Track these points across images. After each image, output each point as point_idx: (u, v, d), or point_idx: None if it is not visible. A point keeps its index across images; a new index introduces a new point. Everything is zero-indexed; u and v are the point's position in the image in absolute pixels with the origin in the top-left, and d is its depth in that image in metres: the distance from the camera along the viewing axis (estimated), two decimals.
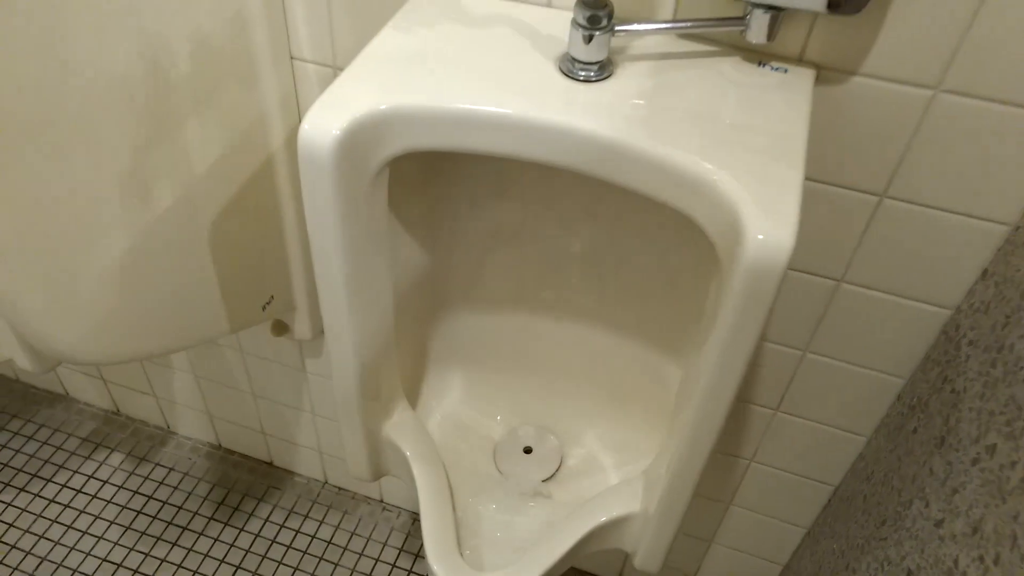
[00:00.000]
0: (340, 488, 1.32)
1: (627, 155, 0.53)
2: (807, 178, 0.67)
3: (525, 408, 0.89)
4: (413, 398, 0.87)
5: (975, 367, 0.63)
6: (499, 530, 0.79)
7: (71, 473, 1.33)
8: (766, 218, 0.48)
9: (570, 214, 0.75)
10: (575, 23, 0.55)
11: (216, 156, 0.73)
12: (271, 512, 1.29)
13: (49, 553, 1.23)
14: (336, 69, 0.76)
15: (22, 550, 1.23)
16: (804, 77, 0.59)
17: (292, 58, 0.77)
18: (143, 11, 0.59)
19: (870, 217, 0.68)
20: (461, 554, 0.73)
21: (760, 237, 0.47)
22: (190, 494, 1.30)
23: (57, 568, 1.21)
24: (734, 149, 0.52)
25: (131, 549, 1.24)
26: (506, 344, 0.88)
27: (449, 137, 0.55)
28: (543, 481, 0.84)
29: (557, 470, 0.85)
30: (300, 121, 0.52)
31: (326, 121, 0.52)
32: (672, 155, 0.51)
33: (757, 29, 0.56)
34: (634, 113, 0.54)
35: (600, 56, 0.56)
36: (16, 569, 1.20)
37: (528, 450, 0.86)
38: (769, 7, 0.55)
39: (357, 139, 0.53)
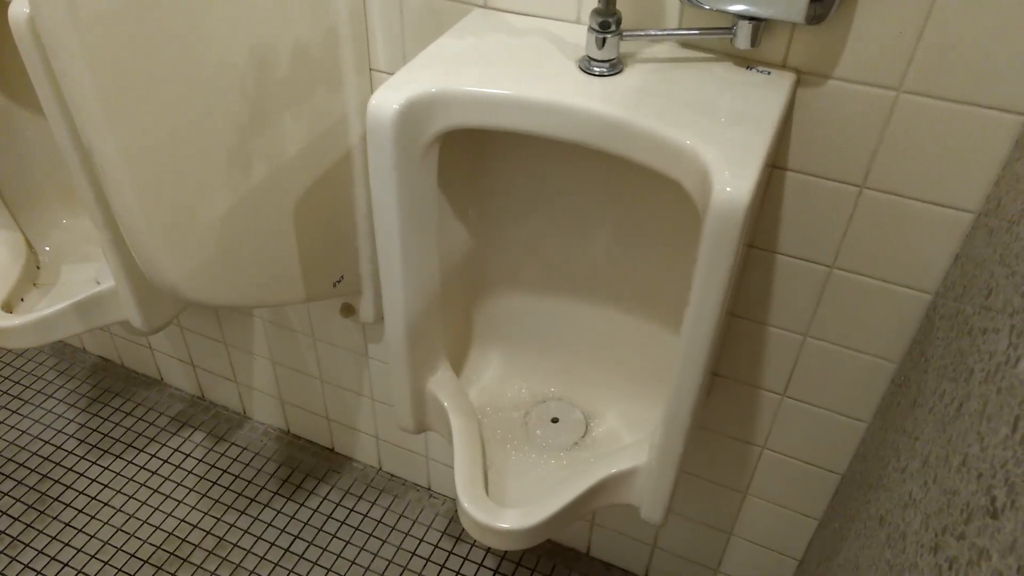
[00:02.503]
0: (392, 475, 1.44)
1: (626, 130, 0.65)
2: (797, 171, 0.78)
3: (555, 385, 1.00)
4: (458, 371, 0.99)
5: (941, 336, 0.72)
6: (523, 480, 0.89)
7: (160, 446, 1.50)
8: (731, 174, 0.59)
9: (600, 203, 0.87)
10: (591, 28, 0.68)
11: (304, 145, 0.88)
12: (329, 491, 1.42)
13: (137, 511, 1.38)
14: None
15: (113, 507, 1.39)
16: (785, 78, 0.71)
17: (371, 69, 0.93)
18: (257, 21, 0.76)
19: (853, 206, 0.78)
20: (487, 492, 0.84)
21: (728, 189, 0.59)
22: (259, 471, 1.45)
23: (142, 524, 1.36)
24: (713, 125, 0.64)
25: (206, 513, 1.38)
26: (542, 326, 1.00)
27: (485, 116, 0.69)
28: (567, 447, 0.94)
29: (580, 439, 0.96)
30: None
31: (389, 98, 0.67)
32: (662, 129, 0.64)
33: (742, 37, 0.69)
34: (636, 99, 0.67)
35: (611, 55, 0.69)
36: (107, 523, 1.36)
37: (555, 420, 0.97)
38: (751, 18, 0.68)
39: (412, 113, 0.68)
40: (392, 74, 0.84)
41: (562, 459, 0.92)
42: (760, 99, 0.68)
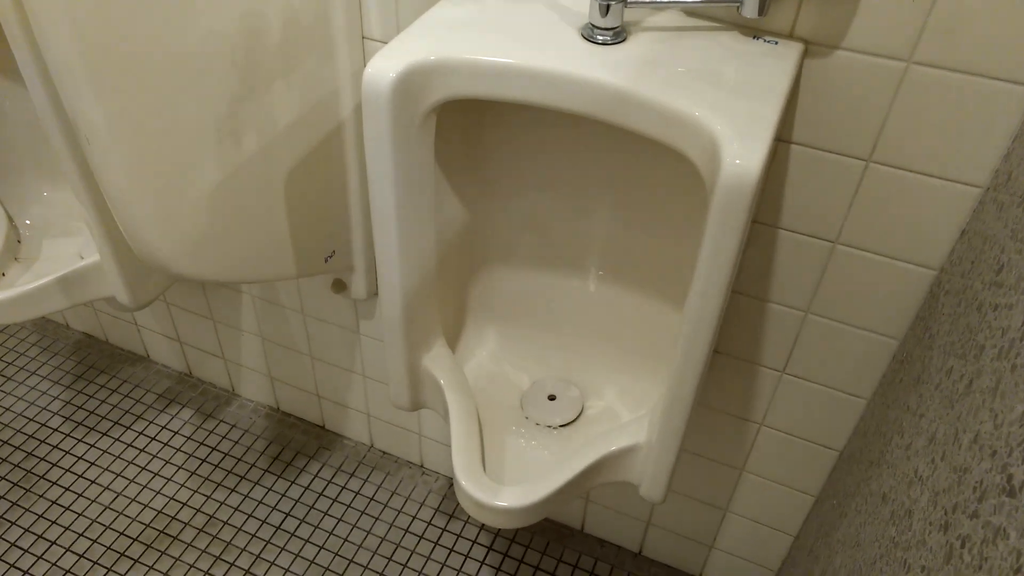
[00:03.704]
0: (384, 452, 1.43)
1: (632, 101, 0.63)
2: (802, 144, 0.76)
3: (552, 362, 0.99)
4: (453, 348, 0.97)
5: (947, 311, 0.71)
6: (520, 457, 0.88)
7: (147, 423, 1.48)
8: (740, 146, 0.57)
9: (601, 176, 0.85)
10: None
11: (295, 116, 0.86)
12: (320, 469, 1.40)
13: (125, 489, 1.37)
14: None
15: (101, 485, 1.37)
16: (792, 48, 0.69)
17: (364, 38, 0.90)
18: None
19: (859, 181, 0.76)
20: (484, 470, 0.82)
21: (737, 162, 0.57)
22: (249, 448, 1.43)
23: (131, 502, 1.35)
24: (720, 95, 0.62)
25: (195, 491, 1.37)
26: (539, 302, 0.98)
27: (485, 86, 0.67)
28: (563, 425, 0.93)
29: (577, 417, 0.95)
30: None
31: (386, 66, 0.64)
32: (668, 99, 0.62)
33: (750, 5, 0.67)
34: (641, 69, 0.65)
35: (615, 23, 0.67)
36: (94, 501, 1.35)
37: (552, 398, 0.96)
38: None
39: (409, 82, 0.65)
40: (386, 43, 0.81)
41: (560, 437, 0.91)
42: (768, 69, 0.66)
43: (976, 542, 0.47)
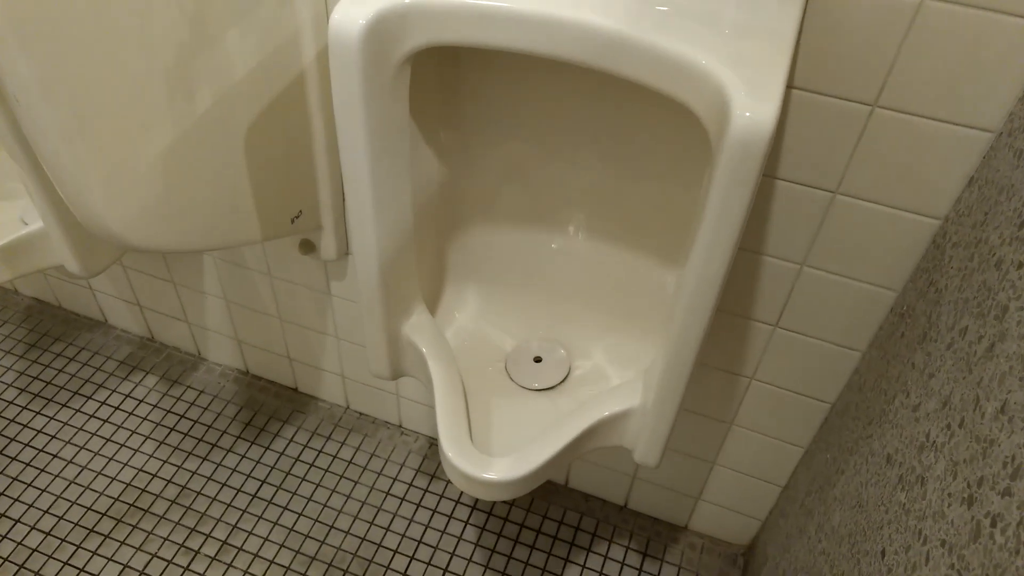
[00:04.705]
0: (361, 413, 1.39)
1: (628, 46, 0.57)
2: (803, 88, 0.71)
3: (537, 322, 0.95)
4: (431, 310, 0.92)
5: (956, 265, 0.68)
6: (508, 425, 0.85)
7: (109, 392, 1.41)
8: (751, 97, 0.52)
9: (587, 124, 0.80)
10: None
11: (253, 66, 0.78)
12: (295, 433, 1.36)
13: (90, 462, 1.31)
14: None
15: (63, 459, 1.31)
16: None
17: None
18: None
19: (863, 127, 0.72)
20: (472, 441, 0.79)
21: (747, 114, 0.52)
22: (219, 415, 1.38)
23: (97, 476, 1.29)
24: (726, 40, 0.56)
25: (164, 461, 1.31)
26: (520, 261, 0.93)
27: (467, 32, 0.60)
28: (551, 388, 0.90)
29: (565, 379, 0.91)
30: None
31: (354, 12, 0.57)
32: (669, 44, 0.56)
33: None
34: (636, 9, 0.59)
35: None
36: (58, 476, 1.29)
37: (538, 360, 0.92)
38: None
39: (381, 29, 0.58)
40: None
41: (548, 400, 0.88)
42: (774, 9, 0.60)
43: (1011, 523, 0.45)
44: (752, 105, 0.52)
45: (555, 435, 0.77)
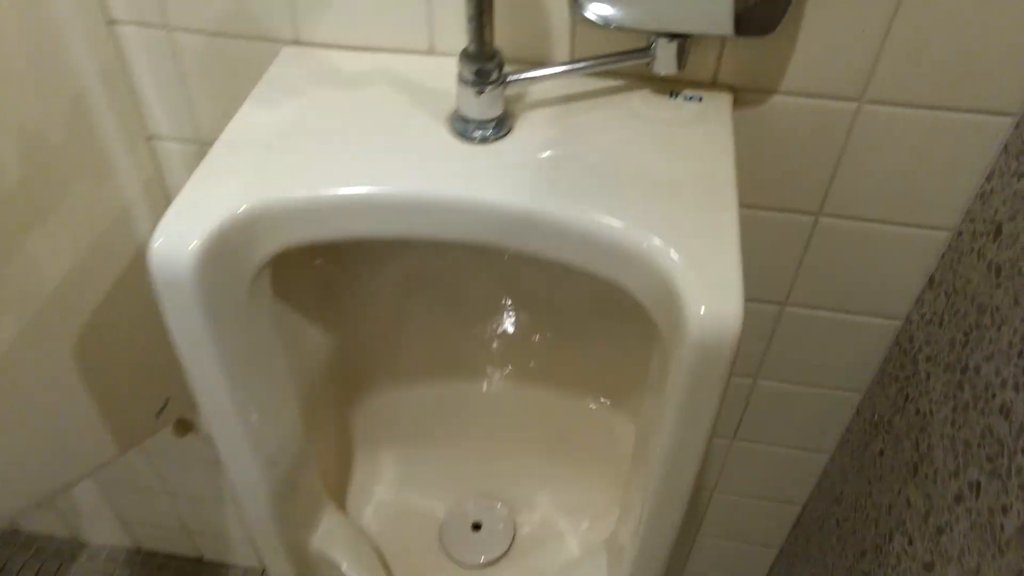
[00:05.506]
0: None
1: (540, 224, 0.46)
2: (743, 205, 0.62)
3: (467, 479, 0.82)
4: (342, 490, 0.78)
5: (939, 388, 0.59)
6: None
7: None
8: (705, 286, 0.41)
9: (501, 281, 0.68)
10: (462, 79, 0.47)
11: (71, 265, 0.62)
12: None
13: None
14: (201, 143, 0.67)
15: None
16: (721, 103, 0.53)
17: (150, 138, 0.67)
18: None
19: (808, 237, 0.63)
20: None
21: (702, 311, 0.41)
22: None
23: None
24: (657, 203, 0.46)
25: None
26: (437, 413, 0.80)
27: (332, 227, 0.47)
28: (498, 558, 0.77)
29: (512, 543, 0.78)
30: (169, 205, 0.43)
31: (181, 233, 0.43)
32: (590, 219, 0.45)
33: (665, 60, 0.50)
34: (541, 173, 0.47)
35: (495, 112, 0.49)
36: None
37: (477, 526, 0.79)
38: (674, 35, 0.49)
39: (222, 248, 0.44)
40: (182, 140, 0.60)
41: None
42: (704, 146, 0.50)
43: None
44: (709, 298, 0.41)
45: None
